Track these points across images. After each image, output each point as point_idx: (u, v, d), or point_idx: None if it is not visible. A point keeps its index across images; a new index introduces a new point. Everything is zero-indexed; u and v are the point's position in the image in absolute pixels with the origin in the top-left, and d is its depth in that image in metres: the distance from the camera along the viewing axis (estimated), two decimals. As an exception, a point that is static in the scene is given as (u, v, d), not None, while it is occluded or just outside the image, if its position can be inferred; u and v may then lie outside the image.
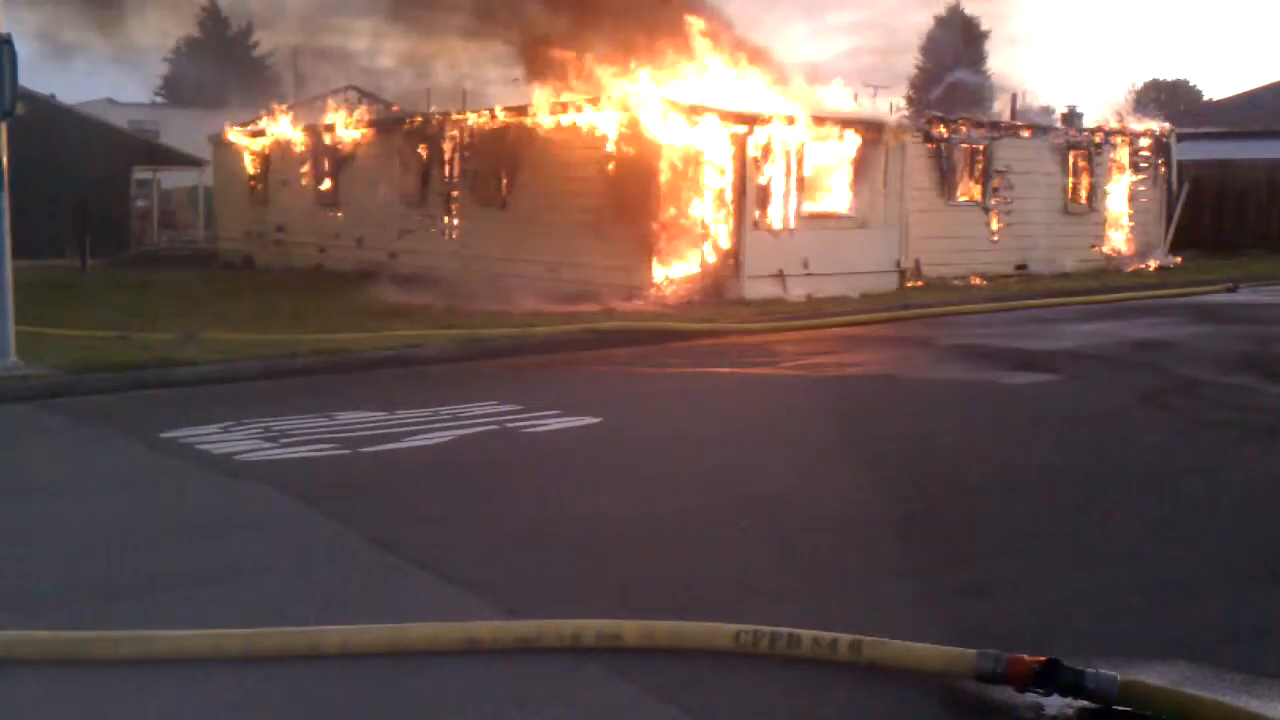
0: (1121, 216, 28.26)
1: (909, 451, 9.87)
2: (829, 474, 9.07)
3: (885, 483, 8.70)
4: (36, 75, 13.96)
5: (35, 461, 10.06)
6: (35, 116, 14.76)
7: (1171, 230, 29.33)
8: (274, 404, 11.95)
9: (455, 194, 25.07)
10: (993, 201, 25.65)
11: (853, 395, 12.88)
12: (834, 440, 10.21)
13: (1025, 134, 26.73)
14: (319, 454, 9.65)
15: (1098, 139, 27.83)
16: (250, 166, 31.65)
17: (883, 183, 22.42)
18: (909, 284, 22.79)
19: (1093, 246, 27.54)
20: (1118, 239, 28.19)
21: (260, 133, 31.01)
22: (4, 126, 13.61)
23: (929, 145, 24.53)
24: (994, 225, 25.67)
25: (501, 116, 23.78)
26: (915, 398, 12.75)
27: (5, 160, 13.61)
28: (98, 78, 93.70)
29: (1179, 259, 28.53)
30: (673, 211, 20.56)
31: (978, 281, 24.09)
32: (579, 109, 21.34)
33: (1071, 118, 28.83)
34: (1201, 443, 10.48)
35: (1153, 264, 27.69)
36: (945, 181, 24.85)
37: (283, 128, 30.27)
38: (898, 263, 22.65)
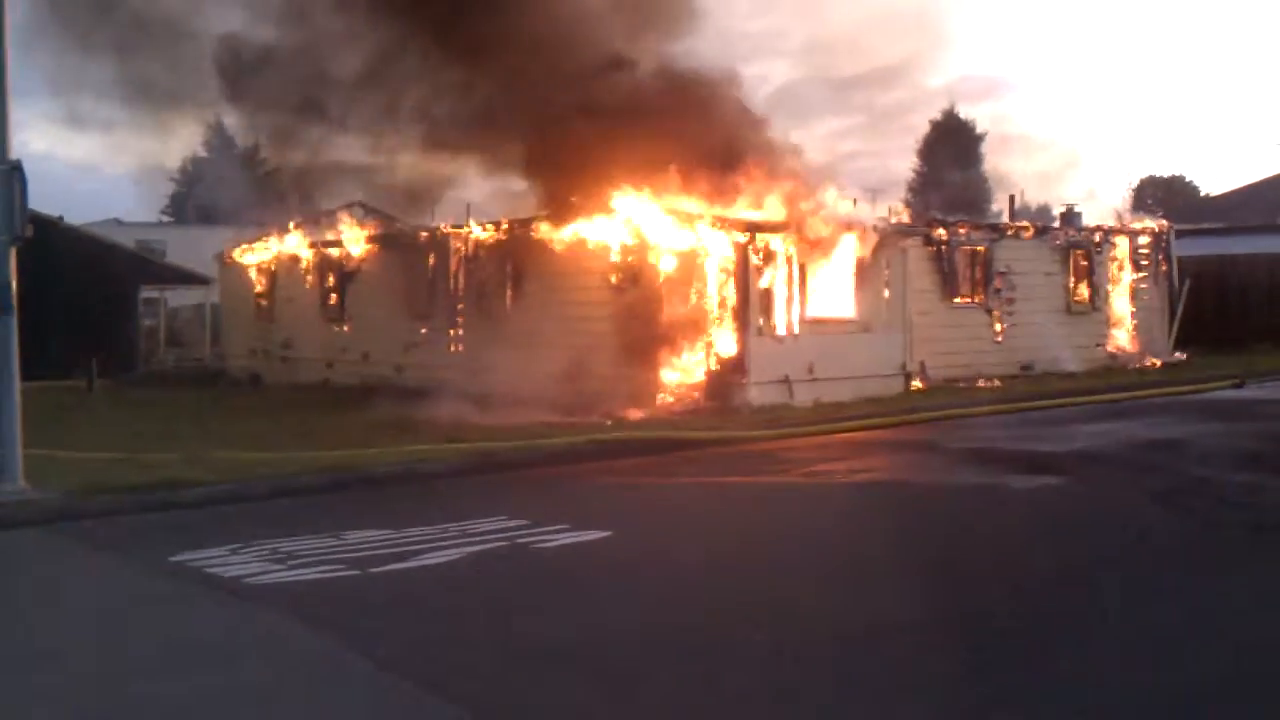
0: (1125, 315, 28.34)
1: (920, 561, 9.77)
2: (842, 585, 8.99)
3: (897, 592, 8.61)
4: (45, 197, 14.24)
5: (41, 588, 9.98)
6: (43, 238, 14.87)
7: (1175, 327, 29.40)
8: (282, 524, 11.87)
9: (460, 306, 25.22)
10: (995, 302, 25.76)
11: (863, 503, 12.81)
12: (845, 551, 10.14)
13: (1025, 235, 26.95)
14: (328, 575, 9.57)
15: (1097, 238, 28.03)
16: (256, 283, 31.92)
17: (885, 286, 22.54)
18: (914, 387, 22.78)
19: (1097, 345, 27.58)
20: (1122, 337, 28.24)
21: (266, 250, 31.31)
22: (13, 250, 13.76)
23: (929, 248, 24.71)
24: (997, 326, 25.75)
25: (505, 228, 24.02)
26: (925, 504, 12.67)
27: (14, 283, 13.74)
28: (106, 198, 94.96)
29: (1184, 356, 28.55)
30: (676, 320, 20.66)
31: (983, 383, 24.09)
32: (582, 221, 21.55)
33: (1070, 217, 29.08)
34: (1213, 545, 10.38)
35: (1157, 361, 27.70)
36: (947, 283, 24.99)
37: (288, 244, 30.58)
38: (902, 366, 22.67)
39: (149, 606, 9.08)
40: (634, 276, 21.22)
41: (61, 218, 34.89)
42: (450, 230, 25.60)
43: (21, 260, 13.85)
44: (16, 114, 14.14)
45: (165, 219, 67.66)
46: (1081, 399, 21.80)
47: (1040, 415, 19.99)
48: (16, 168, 13.61)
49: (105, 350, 29.99)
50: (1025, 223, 27.87)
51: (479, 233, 24.75)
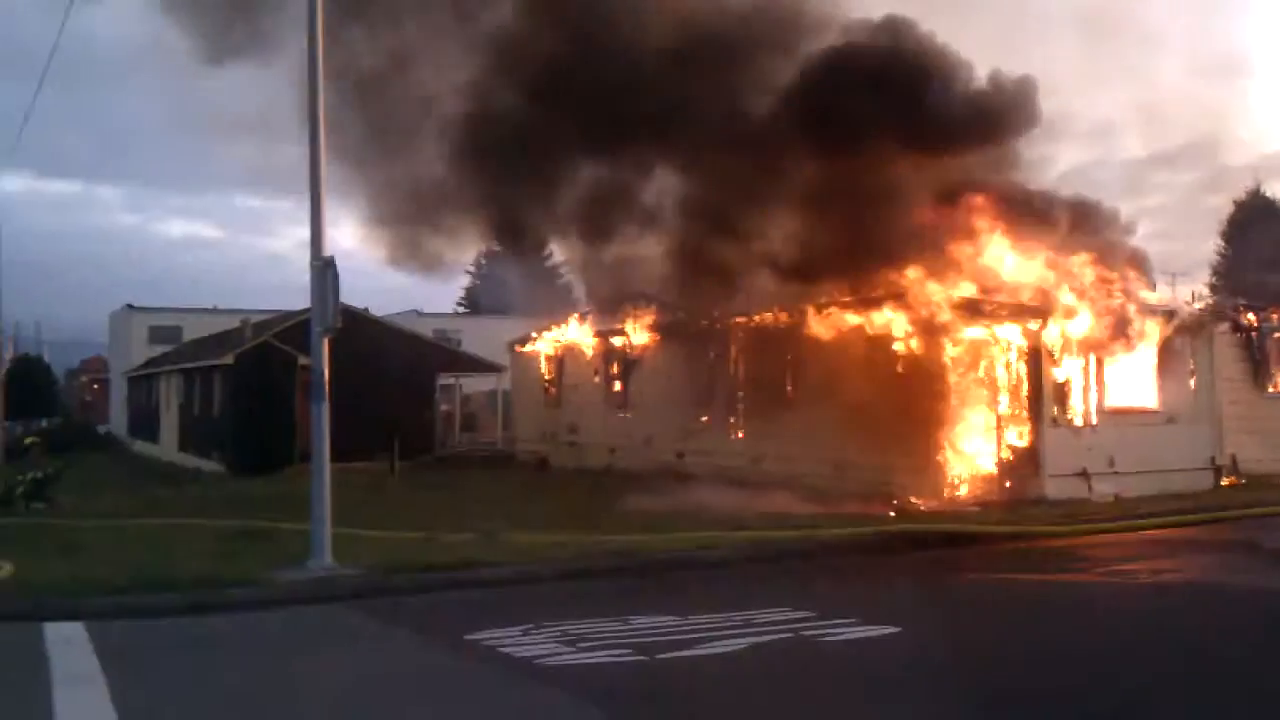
0: None
1: (1239, 676, 8.99)
2: (1159, 700, 8.35)
3: (1221, 711, 7.93)
4: (351, 289, 15.25)
5: (346, 662, 10.39)
6: (350, 328, 15.76)
7: None
8: (571, 606, 12.04)
9: (740, 394, 25.27)
10: (1312, 392, 23.92)
11: (1173, 608, 11.98)
12: (1157, 661, 9.44)
13: (1345, 319, 24.99)
14: (615, 659, 9.60)
15: None
16: (545, 371, 32.97)
17: (1190, 375, 21.31)
18: (1225, 482, 21.34)
19: None
20: None
21: (554, 338, 32.34)
22: (327, 341, 14.63)
23: (1238, 334, 23.24)
24: (1315, 417, 23.87)
25: (784, 316, 24.00)
26: (1243, 611, 11.71)
27: (326, 372, 14.58)
28: (408, 290, 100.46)
29: None
30: (964, 408, 20.06)
31: (1301, 478, 22.32)
32: (866, 306, 21.30)
33: (1396, 298, 26.85)
34: None
35: None
36: (1258, 372, 23.40)
37: (574, 333, 31.50)
38: (1211, 459, 21.28)
39: (448, 685, 9.33)
40: (919, 364, 20.76)
41: (367, 309, 37.06)
42: (728, 318, 25.76)
43: (331, 349, 14.71)
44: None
45: (461, 309, 71.00)
46: None
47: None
48: (330, 264, 14.53)
49: (405, 434, 31.49)
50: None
51: (757, 320, 24.81)
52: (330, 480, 14.46)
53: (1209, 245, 62.04)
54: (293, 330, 31.83)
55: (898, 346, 21.02)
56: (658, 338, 28.28)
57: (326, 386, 14.59)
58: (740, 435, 25.12)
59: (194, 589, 13.05)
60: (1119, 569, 14.05)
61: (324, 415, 14.53)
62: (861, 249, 20.85)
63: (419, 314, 55.42)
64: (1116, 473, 20.02)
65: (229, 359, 35.53)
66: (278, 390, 33.08)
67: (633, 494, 21.60)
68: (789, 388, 23.69)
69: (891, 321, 20.98)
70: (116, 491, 28.13)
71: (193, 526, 18.57)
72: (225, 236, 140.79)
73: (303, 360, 26.72)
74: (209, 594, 12.92)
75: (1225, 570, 13.84)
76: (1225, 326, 22.91)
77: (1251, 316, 23.71)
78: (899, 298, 20.78)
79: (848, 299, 21.93)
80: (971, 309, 20.09)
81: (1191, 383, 21.41)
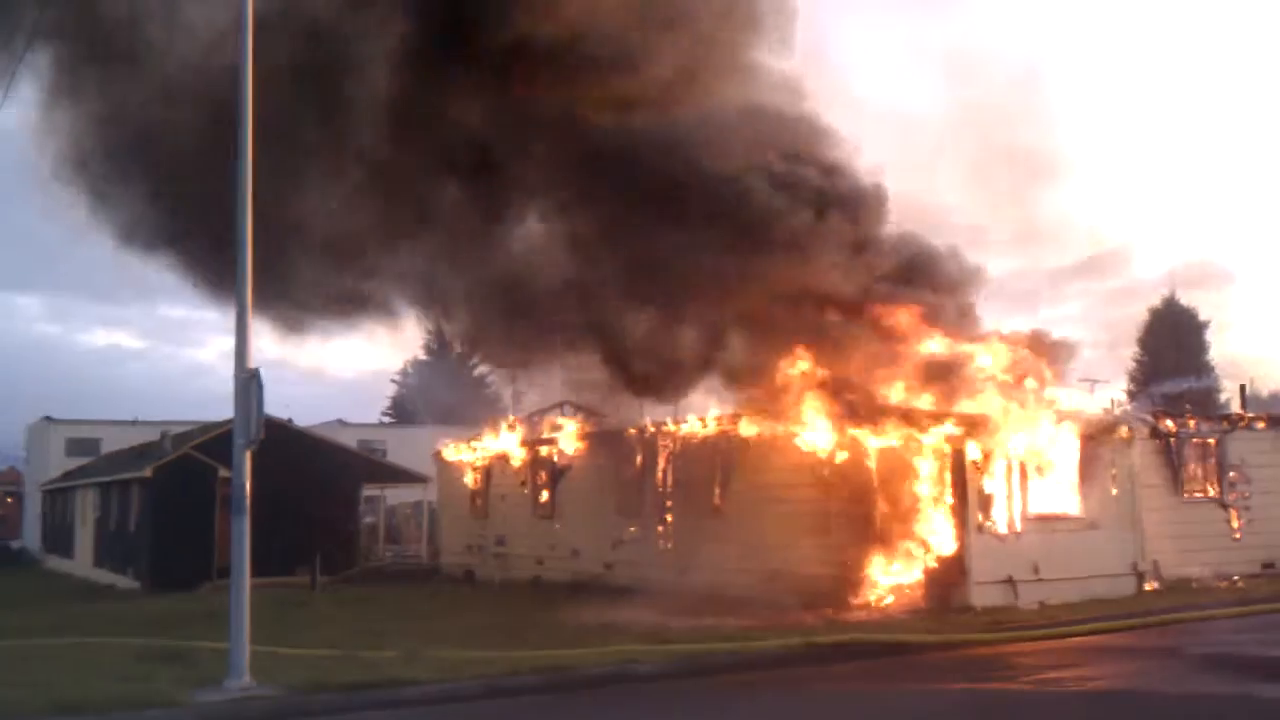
0: (1379, 509, 26.38)
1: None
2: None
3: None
4: (274, 399, 15.08)
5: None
6: (273, 440, 15.52)
7: None
8: (496, 726, 11.79)
9: (669, 504, 25.20)
10: (1231, 497, 24.32)
11: (1098, 715, 12.01)
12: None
13: (1260, 425, 25.55)
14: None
15: (1341, 428, 26.41)
16: (471, 481, 32.67)
17: (1111, 481, 21.60)
18: (1147, 587, 21.54)
19: (1345, 541, 25.68)
20: (1373, 532, 26.25)
21: (481, 448, 32.11)
22: (249, 455, 14.41)
23: (1157, 441, 23.61)
24: (1234, 523, 24.22)
25: (713, 426, 24.06)
26: (1166, 716, 11.76)
27: (248, 486, 14.33)
28: (332, 400, 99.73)
29: None
30: (891, 518, 20.16)
31: (1222, 583, 22.62)
32: (791, 418, 21.42)
33: (1308, 405, 27.58)
34: None
35: None
36: (1178, 478, 23.75)
37: (501, 443, 31.31)
38: (1134, 565, 21.49)
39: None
40: (845, 473, 20.87)
41: (290, 419, 36.63)
42: (657, 428, 25.79)
43: (253, 461, 14.47)
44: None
45: (386, 419, 70.43)
46: (1331, 600, 20.21)
47: (1288, 618, 18.61)
48: (254, 376, 14.38)
49: (328, 548, 30.99)
50: (1260, 413, 26.45)
51: (686, 429, 24.85)
52: (250, 596, 14.12)
53: (1127, 353, 63.44)
54: (214, 442, 31.35)
55: (823, 456, 21.14)
56: (585, 447, 28.20)
57: (247, 499, 14.33)
58: (669, 546, 24.99)
59: (107, 712, 12.59)
60: (1047, 677, 14.09)
61: (244, 529, 14.25)
62: (789, 356, 21.09)
63: (343, 424, 54.91)
64: (1041, 579, 20.13)
65: (147, 471, 34.84)
66: (197, 504, 32.46)
67: (560, 607, 21.36)
68: (717, 497, 23.67)
69: (817, 430, 21.12)
70: (27, 609, 27.25)
71: (107, 646, 17.99)
72: (148, 346, 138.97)
73: (223, 472, 26.34)
74: (124, 717, 12.48)
75: (1150, 677, 13.88)
76: (1145, 433, 23.30)
77: (1170, 423, 24.15)
78: (824, 408, 20.96)
79: (773, 408, 22.05)
80: (895, 417, 20.29)
81: (1113, 489, 21.70)
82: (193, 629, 18.52)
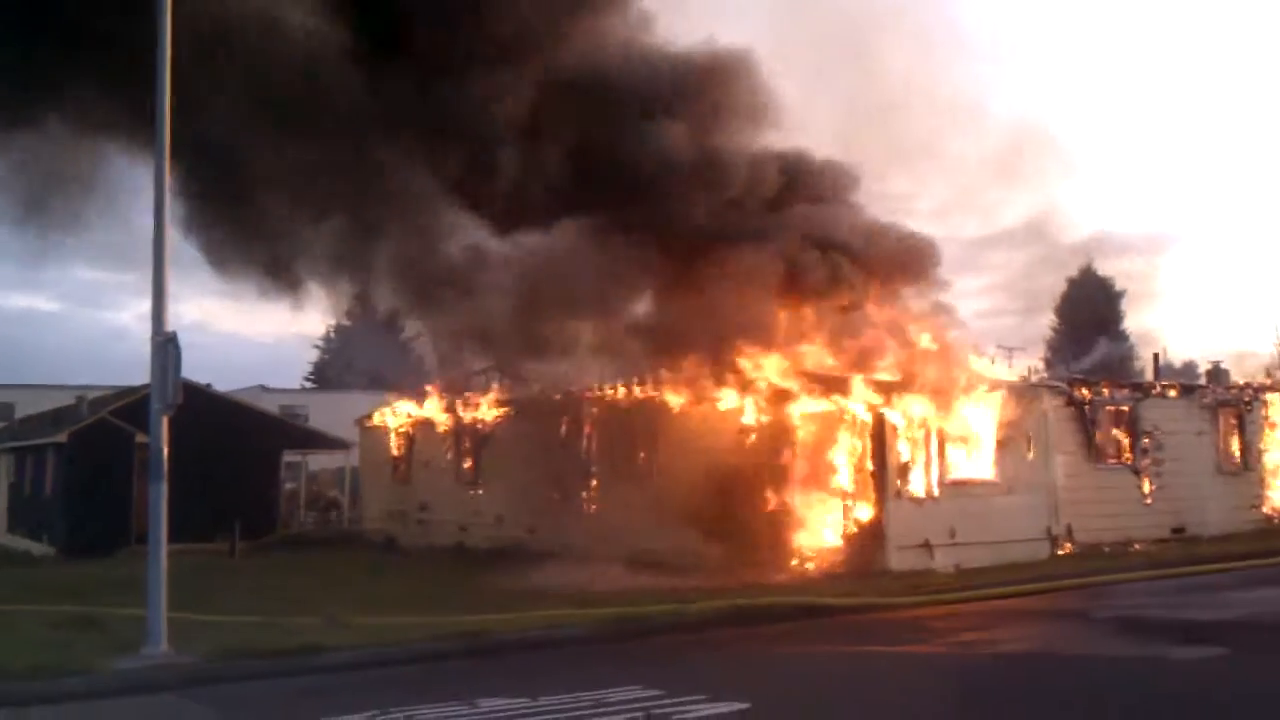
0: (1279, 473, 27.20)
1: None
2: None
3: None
4: (194, 365, 14.82)
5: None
6: (191, 404, 15.30)
7: (1335, 486, 28.07)
8: (418, 691, 11.78)
9: (593, 469, 25.26)
10: (1143, 463, 24.90)
11: (1010, 677, 12.26)
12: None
13: (1171, 394, 26.17)
14: (463, 746, 9.42)
15: (1246, 396, 27.12)
16: (394, 447, 32.46)
17: (1027, 448, 22.01)
18: (1061, 551, 22.02)
19: (1252, 506, 26.43)
20: (1278, 498, 27.05)
21: (404, 414, 31.91)
22: (166, 420, 14.21)
23: (1072, 408, 24.08)
24: (1146, 488, 24.83)
25: (638, 391, 24.12)
26: (1076, 679, 12.03)
27: (166, 451, 14.14)
28: (253, 365, 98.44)
29: (1348, 516, 27.18)
30: (813, 482, 20.38)
31: (1133, 547, 23.18)
32: (716, 383, 21.54)
33: (1217, 374, 28.25)
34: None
35: (1317, 523, 26.41)
36: (1092, 445, 24.26)
37: (426, 409, 31.13)
38: (1048, 529, 21.98)
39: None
40: (768, 438, 21.06)
41: (210, 385, 36.09)
42: (582, 394, 25.79)
43: (170, 426, 14.28)
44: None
45: (308, 384, 69.66)
46: (1237, 563, 20.82)
47: (1194, 581, 19.15)
48: (171, 340, 14.16)
49: (247, 514, 30.64)
50: (1171, 381, 27.08)
51: (611, 395, 24.89)
52: (168, 563, 13.96)
53: (1044, 321, 64.43)
54: (131, 407, 30.79)
55: (748, 421, 21.31)
56: (510, 413, 28.12)
57: (165, 465, 14.14)
58: (593, 510, 25.06)
59: (23, 679, 12.43)
60: (961, 639, 14.37)
61: (161, 495, 14.06)
62: (709, 325, 21.14)
63: (265, 389, 54.16)
64: (958, 544, 20.53)
65: (62, 437, 34.17)
66: (114, 469, 31.92)
67: (484, 572, 21.37)
68: (641, 463, 23.76)
69: (742, 396, 21.28)
70: (-62, 577, 26.69)
71: (22, 613, 17.71)
72: (64, 310, 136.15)
73: (140, 438, 25.90)
74: (39, 685, 12.33)
75: (1061, 640, 14.23)
76: (1060, 400, 23.74)
77: (1085, 391, 24.62)
78: (749, 373, 21.11)
79: (697, 374, 22.15)
80: (818, 384, 20.49)
81: (1028, 455, 22.10)
82: (110, 596, 18.27)
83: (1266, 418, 27.31)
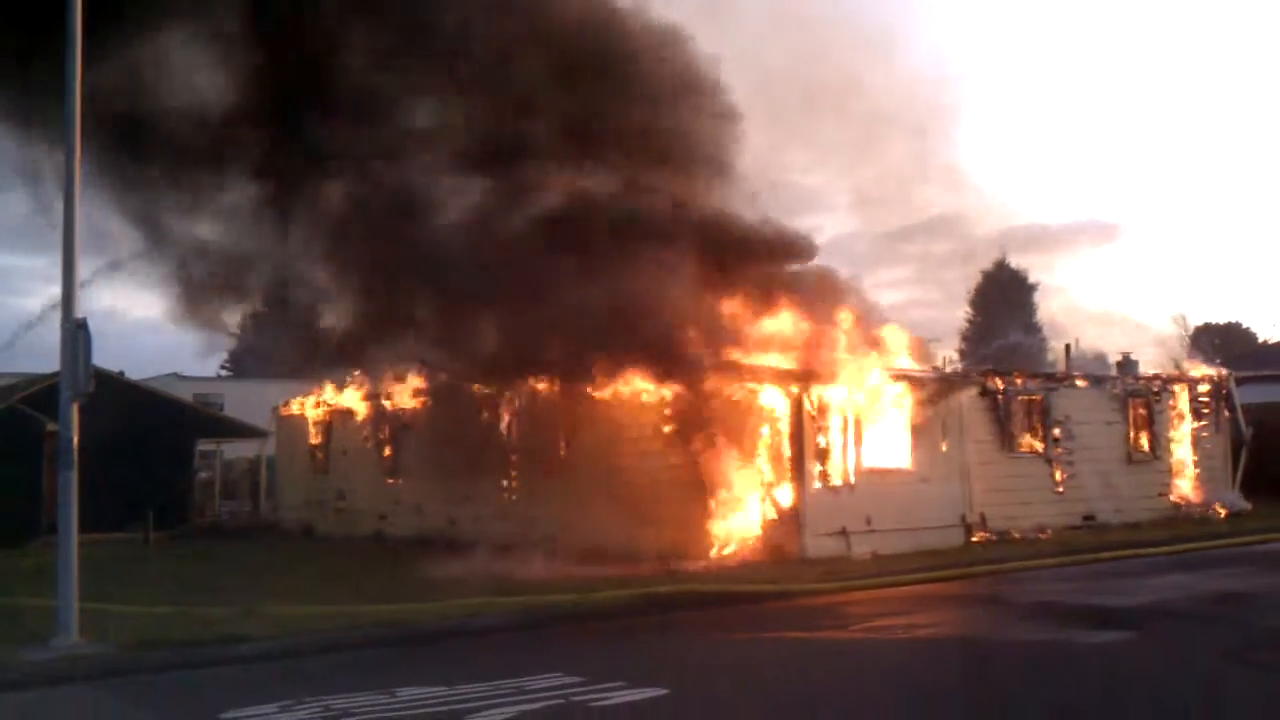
0: (1187, 463, 27.84)
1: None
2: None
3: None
4: (106, 352, 14.59)
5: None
6: (103, 392, 15.04)
7: (1239, 475, 28.82)
8: (334, 680, 11.70)
9: (514, 458, 25.18)
10: (1055, 452, 25.36)
11: (925, 661, 12.47)
12: (909, 715, 9.81)
13: (1081, 384, 26.67)
14: (380, 734, 9.38)
15: (1155, 387, 27.73)
16: (312, 436, 32.13)
17: (942, 437, 22.34)
18: (975, 538, 22.39)
19: (1160, 495, 27.03)
20: (1185, 486, 27.69)
21: (322, 403, 31.59)
22: (76, 406, 13.95)
23: (986, 398, 24.47)
24: (1057, 476, 25.31)
25: (555, 381, 24.07)
26: (991, 662, 12.27)
27: (76, 440, 13.89)
28: (167, 352, 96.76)
29: (1249, 505, 27.91)
30: (730, 471, 20.52)
31: (1045, 534, 23.63)
32: (635, 372, 21.57)
33: (1127, 365, 28.82)
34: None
35: (1223, 510, 27.08)
36: (1005, 434, 24.66)
37: (344, 397, 30.85)
38: (962, 517, 22.33)
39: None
40: (686, 427, 21.14)
41: (122, 372, 35.45)
42: (504, 382, 25.63)
43: (81, 414, 14.03)
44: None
45: (225, 373, 68.68)
46: (1146, 550, 21.31)
47: (1104, 567, 19.59)
48: (82, 326, 13.90)
49: (161, 503, 30.16)
50: (1082, 372, 27.59)
51: (532, 385, 24.80)
52: (79, 553, 13.71)
53: (959, 313, 65.41)
54: (41, 394, 30.10)
55: (667, 410, 21.38)
56: (429, 402, 27.92)
57: (75, 454, 13.89)
58: (513, 500, 25.01)
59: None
60: (877, 625, 14.57)
61: (72, 484, 13.82)
62: (633, 310, 21.15)
63: (179, 377, 53.25)
64: (874, 530, 20.80)
65: (-32, 425, 33.39)
66: (23, 458, 31.19)
67: (403, 562, 21.25)
68: (561, 452, 23.73)
69: (660, 385, 21.34)
70: None
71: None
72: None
73: (51, 426, 25.37)
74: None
75: (974, 624, 14.49)
76: (974, 390, 24.10)
77: (998, 381, 25.01)
78: (668, 361, 21.15)
79: (615, 364, 22.14)
80: (734, 372, 20.62)
81: (943, 444, 22.42)
82: (19, 586, 17.93)
83: (1174, 408, 27.93)
